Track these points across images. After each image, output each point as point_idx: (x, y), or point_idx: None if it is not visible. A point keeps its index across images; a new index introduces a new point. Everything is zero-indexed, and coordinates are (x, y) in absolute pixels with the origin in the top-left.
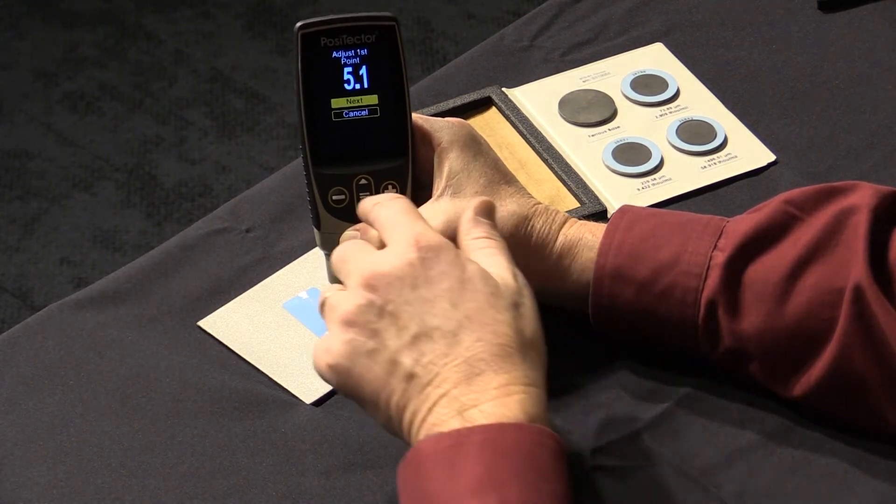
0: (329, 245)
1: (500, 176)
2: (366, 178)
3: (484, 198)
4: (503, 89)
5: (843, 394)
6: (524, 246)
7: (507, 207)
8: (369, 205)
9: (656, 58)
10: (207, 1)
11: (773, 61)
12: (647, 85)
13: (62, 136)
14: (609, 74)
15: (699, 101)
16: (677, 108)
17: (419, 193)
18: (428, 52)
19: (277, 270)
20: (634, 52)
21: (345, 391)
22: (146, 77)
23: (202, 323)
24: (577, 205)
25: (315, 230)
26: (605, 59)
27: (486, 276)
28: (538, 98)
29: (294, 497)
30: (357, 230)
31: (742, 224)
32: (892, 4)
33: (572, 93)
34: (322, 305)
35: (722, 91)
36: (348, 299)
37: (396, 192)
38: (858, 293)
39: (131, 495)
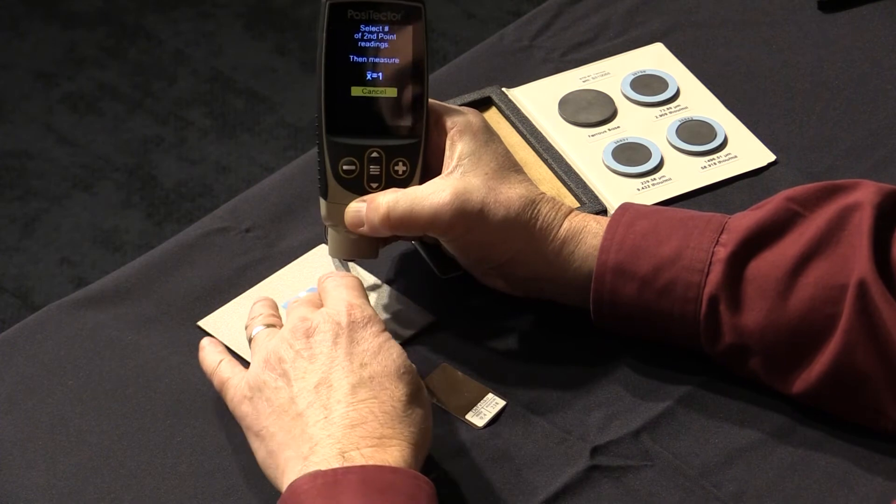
0: (334, 217)
1: (510, 164)
2: (377, 152)
3: None
4: (503, 89)
5: (844, 390)
6: (529, 229)
7: (516, 190)
8: (323, 278)
9: (656, 58)
10: (207, 1)
11: (773, 61)
12: (647, 85)
13: (62, 136)
14: (609, 74)
15: (699, 101)
16: (677, 108)
17: (426, 178)
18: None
19: (277, 270)
20: (634, 52)
21: (241, 419)
22: (146, 77)
23: (202, 323)
24: (577, 205)
25: (321, 200)
26: (605, 59)
27: (401, 353)
28: (538, 98)
29: None
30: (364, 201)
31: (744, 220)
32: (892, 4)
33: (572, 93)
34: (250, 340)
35: (722, 91)
36: (273, 340)
37: (406, 169)
38: (863, 288)
39: (131, 495)
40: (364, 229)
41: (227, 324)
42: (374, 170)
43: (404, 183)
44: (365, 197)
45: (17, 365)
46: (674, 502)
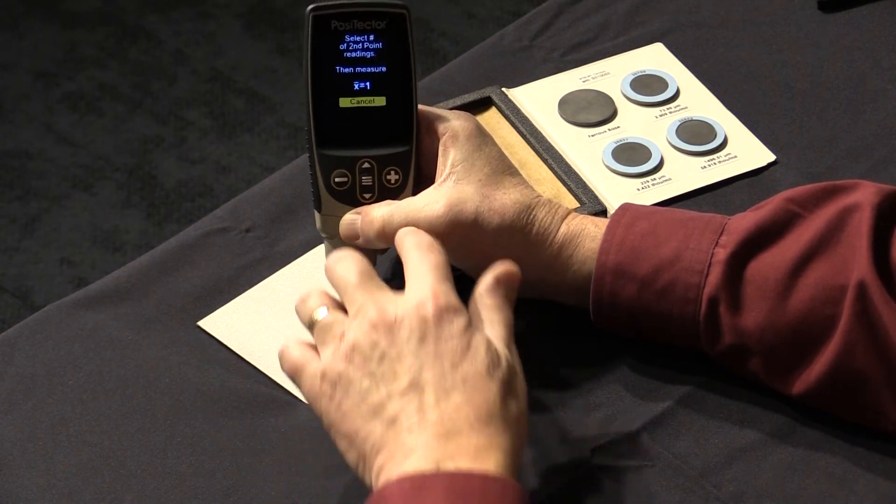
0: (329, 228)
1: (505, 167)
2: (369, 162)
3: (508, 268)
4: (503, 89)
5: (844, 391)
6: (526, 234)
7: (511, 196)
8: (403, 235)
9: (656, 58)
10: (207, 1)
11: (773, 61)
12: (647, 85)
13: (62, 136)
14: (609, 74)
15: (699, 101)
16: (677, 108)
17: (421, 185)
18: (428, 52)
19: (277, 270)
20: (634, 52)
21: (323, 414)
22: (146, 77)
23: (202, 323)
24: (577, 205)
25: (315, 213)
26: (605, 59)
27: (490, 348)
28: (538, 98)
29: (294, 497)
30: (358, 213)
31: (744, 221)
32: (892, 4)
33: (572, 93)
34: (312, 323)
35: (722, 91)
36: (351, 333)
37: (399, 178)
38: (862, 290)
39: (131, 495)
40: (360, 242)
41: (227, 324)
42: (366, 180)
43: (397, 192)
44: (359, 209)
45: (17, 365)
46: (674, 502)
